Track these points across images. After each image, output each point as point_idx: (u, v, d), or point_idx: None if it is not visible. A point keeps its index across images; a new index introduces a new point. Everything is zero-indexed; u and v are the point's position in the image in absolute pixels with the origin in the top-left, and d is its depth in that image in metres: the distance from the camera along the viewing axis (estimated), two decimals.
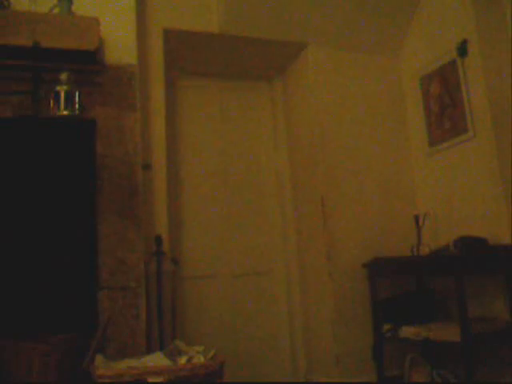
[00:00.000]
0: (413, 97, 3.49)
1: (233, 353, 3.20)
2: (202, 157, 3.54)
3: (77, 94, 2.34)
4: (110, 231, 2.47)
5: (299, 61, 3.52)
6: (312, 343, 3.33)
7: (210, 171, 3.53)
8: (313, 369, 3.31)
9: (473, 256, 2.68)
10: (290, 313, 3.51)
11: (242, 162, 3.64)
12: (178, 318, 2.91)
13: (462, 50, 3.01)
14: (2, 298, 2.28)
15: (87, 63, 2.49)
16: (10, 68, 2.38)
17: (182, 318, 3.12)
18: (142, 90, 2.84)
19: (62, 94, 2.30)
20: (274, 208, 3.66)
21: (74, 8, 2.52)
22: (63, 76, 2.32)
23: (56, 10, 2.47)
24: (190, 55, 3.44)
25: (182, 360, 2.02)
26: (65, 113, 2.31)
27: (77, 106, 2.33)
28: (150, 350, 2.44)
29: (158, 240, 2.79)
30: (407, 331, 2.82)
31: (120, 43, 2.66)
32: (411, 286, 3.20)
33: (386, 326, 2.96)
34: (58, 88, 2.31)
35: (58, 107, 2.31)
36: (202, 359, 2.02)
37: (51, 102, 2.32)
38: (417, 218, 3.20)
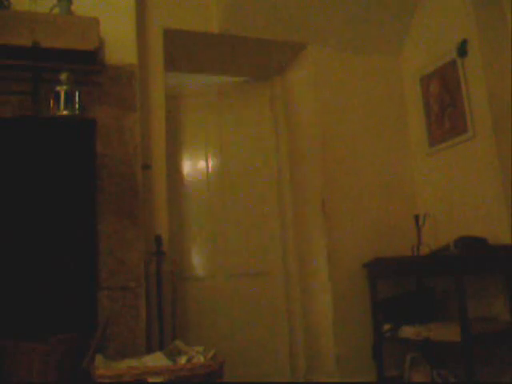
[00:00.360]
0: (413, 97, 3.48)
1: (233, 353, 3.19)
2: (202, 157, 3.54)
3: (77, 93, 2.35)
4: (110, 231, 2.47)
5: (299, 61, 3.52)
6: (312, 343, 3.32)
7: (210, 171, 3.53)
8: (313, 369, 3.31)
9: (473, 256, 2.68)
10: (290, 313, 3.51)
11: (242, 162, 3.64)
12: (178, 318, 2.91)
13: (462, 50, 3.01)
14: (2, 298, 2.28)
15: (87, 63, 2.49)
16: (9, 68, 2.38)
17: (181, 318, 3.12)
18: (142, 90, 2.84)
19: (62, 94, 2.31)
20: (274, 208, 3.66)
21: (73, 8, 2.52)
22: (63, 76, 2.32)
23: (56, 10, 2.47)
24: (190, 55, 3.44)
25: (182, 360, 2.02)
26: (65, 113, 2.31)
27: (77, 105, 2.34)
28: (149, 350, 2.44)
29: (158, 240, 2.78)
30: (407, 331, 2.82)
31: (120, 43, 2.66)
32: (411, 285, 3.19)
33: (386, 326, 2.96)
34: (58, 88, 2.31)
35: (58, 107, 2.32)
36: (201, 359, 2.02)
37: (51, 101, 2.33)
38: (417, 218, 3.19)
